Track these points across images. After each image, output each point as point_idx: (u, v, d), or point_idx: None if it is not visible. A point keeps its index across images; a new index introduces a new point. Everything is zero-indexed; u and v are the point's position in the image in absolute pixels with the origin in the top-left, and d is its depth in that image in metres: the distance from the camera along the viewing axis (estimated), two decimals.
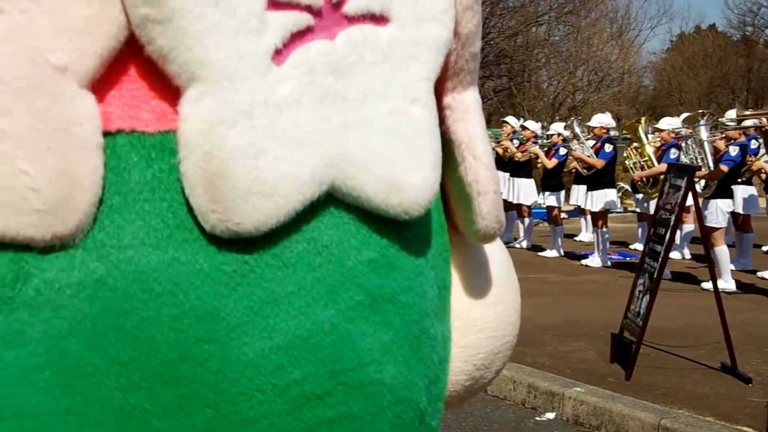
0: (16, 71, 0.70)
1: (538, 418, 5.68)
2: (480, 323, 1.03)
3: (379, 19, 0.83)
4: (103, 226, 0.74)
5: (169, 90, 0.75)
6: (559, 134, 13.17)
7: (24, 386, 0.73)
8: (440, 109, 0.90)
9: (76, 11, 0.71)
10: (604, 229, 11.83)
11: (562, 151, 13.02)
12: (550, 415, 5.66)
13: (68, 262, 0.74)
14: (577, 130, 13.04)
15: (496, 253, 1.07)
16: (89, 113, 0.72)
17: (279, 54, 0.77)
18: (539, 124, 15.40)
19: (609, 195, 11.85)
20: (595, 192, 11.86)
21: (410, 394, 0.89)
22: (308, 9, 0.79)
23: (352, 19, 0.82)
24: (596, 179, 11.91)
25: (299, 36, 0.78)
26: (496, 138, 15.71)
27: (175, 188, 0.76)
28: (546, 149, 13.32)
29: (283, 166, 0.76)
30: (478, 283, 1.03)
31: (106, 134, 0.74)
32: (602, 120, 12.29)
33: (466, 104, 0.93)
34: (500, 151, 14.28)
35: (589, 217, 13.27)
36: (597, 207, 11.83)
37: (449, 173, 0.92)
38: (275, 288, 0.79)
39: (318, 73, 0.79)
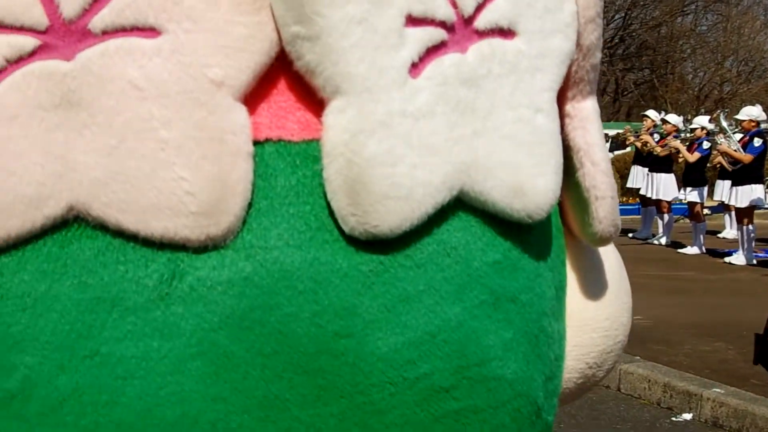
0: (178, 85, 0.77)
1: (674, 419, 5.57)
2: (593, 323, 1.06)
3: (506, 33, 0.88)
4: (251, 228, 0.80)
5: (313, 102, 0.81)
6: (703, 128, 12.75)
7: (178, 375, 0.80)
8: (560, 117, 0.94)
9: (233, 30, 0.78)
10: (750, 226, 11.41)
11: (706, 145, 12.60)
12: (687, 416, 5.55)
13: (219, 262, 0.80)
14: (724, 123, 12.55)
15: (609, 256, 1.10)
16: (242, 124, 0.79)
17: (415, 67, 0.82)
18: (681, 118, 14.92)
19: (756, 191, 11.40)
20: (740, 187, 11.43)
21: (529, 390, 0.93)
22: (442, 25, 0.84)
23: (482, 34, 0.87)
24: (742, 174, 11.47)
25: (434, 50, 0.84)
26: (636, 132, 15.35)
27: (318, 193, 0.81)
28: (688, 143, 12.92)
29: (417, 172, 0.81)
30: (592, 285, 1.06)
31: (256, 143, 0.80)
32: (752, 112, 11.81)
33: (585, 113, 0.97)
34: (639, 145, 13.96)
35: (733, 213, 12.80)
36: (742, 203, 11.40)
37: (567, 178, 0.95)
38: (407, 287, 0.83)
39: (450, 85, 0.84)
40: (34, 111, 0.76)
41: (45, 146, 0.77)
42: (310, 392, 0.82)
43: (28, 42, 0.77)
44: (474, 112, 0.86)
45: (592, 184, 0.96)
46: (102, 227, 0.79)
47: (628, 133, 16.47)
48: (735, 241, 12.33)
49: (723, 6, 35.24)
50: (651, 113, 14.96)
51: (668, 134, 13.54)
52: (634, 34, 33.27)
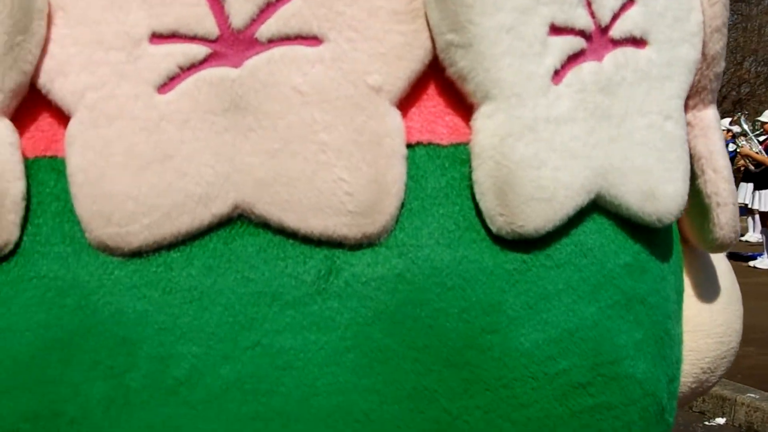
0: (339, 91, 0.81)
1: (707, 423, 5.60)
2: (707, 328, 1.08)
3: (639, 42, 0.91)
4: (403, 227, 0.84)
5: (461, 107, 0.85)
6: (729, 130, 12.71)
7: (334, 366, 0.83)
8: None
9: (392, 39, 0.82)
10: None
11: (731, 147, 12.57)
12: (720, 421, 5.56)
13: (373, 259, 0.83)
14: (745, 126, 12.54)
15: (721, 263, 1.13)
16: (398, 127, 0.82)
17: (557, 74, 0.86)
18: None
19: None
20: (764, 191, 11.40)
21: (655, 390, 0.97)
22: (581, 33, 0.88)
23: (616, 43, 0.90)
24: (765, 177, 11.45)
25: (573, 58, 0.87)
26: None
27: (465, 194, 0.85)
28: None
29: (560, 175, 0.85)
30: (707, 291, 1.09)
31: (408, 146, 0.84)
32: None
33: (707, 121, 1.00)
34: None
35: (757, 216, 12.75)
36: (766, 206, 11.37)
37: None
38: (548, 285, 0.87)
39: (589, 92, 0.87)
40: (205, 115, 0.80)
41: (214, 148, 0.81)
42: (457, 385, 0.85)
43: (201, 51, 0.81)
44: (610, 118, 0.89)
45: (713, 191, 0.99)
46: (264, 225, 0.82)
47: None
48: (759, 244, 12.28)
49: (743, 5, 35.01)
50: None
51: None
52: None
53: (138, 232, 0.81)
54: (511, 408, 0.87)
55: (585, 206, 0.88)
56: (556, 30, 0.86)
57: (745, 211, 13.84)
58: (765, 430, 5.27)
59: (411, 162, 0.84)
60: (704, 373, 1.10)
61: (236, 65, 0.81)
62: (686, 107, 0.98)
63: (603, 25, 0.89)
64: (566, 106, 0.86)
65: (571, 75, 0.87)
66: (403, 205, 0.83)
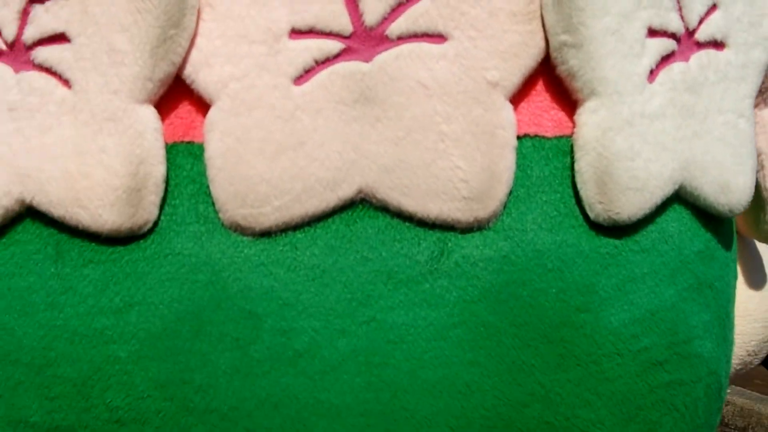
0: (459, 86, 0.86)
1: None
2: (756, 313, 1.16)
3: (719, 44, 0.98)
4: (510, 213, 0.89)
5: (565, 102, 0.91)
6: None
7: (441, 341, 0.89)
8: None
9: (509, 38, 0.87)
10: None
11: None
12: None
13: (482, 241, 0.89)
14: None
15: (766, 253, 1.21)
16: (511, 120, 0.88)
17: (651, 74, 0.92)
18: None
19: None
20: None
21: (718, 368, 1.04)
22: (673, 36, 0.94)
23: (701, 45, 0.97)
24: None
25: (666, 59, 0.94)
26: None
27: (566, 183, 0.91)
28: None
29: (651, 166, 0.91)
30: (756, 278, 1.17)
31: (517, 138, 0.89)
32: None
33: (767, 119, 1.07)
34: None
35: None
36: None
37: None
38: (635, 269, 0.93)
39: (678, 90, 0.94)
40: (336, 105, 0.85)
41: (343, 136, 0.86)
42: (552, 360, 0.91)
43: (335, 46, 0.86)
44: (694, 116, 0.96)
45: None
46: (383, 208, 0.87)
47: None
48: None
49: None
50: None
51: None
52: None
53: (269, 213, 0.85)
54: (598, 382, 0.93)
55: (669, 196, 0.95)
56: (652, 32, 0.92)
57: None
58: (736, 423, 5.42)
59: (518, 153, 0.90)
60: (749, 355, 1.19)
61: (367, 60, 0.86)
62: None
63: (691, 28, 0.96)
64: (658, 102, 0.92)
65: (663, 74, 0.93)
66: (510, 193, 0.89)
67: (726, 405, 5.50)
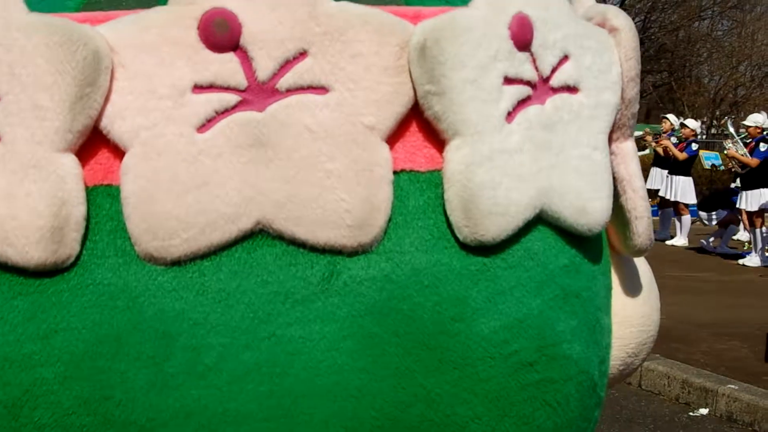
0: (341, 129, 0.98)
1: (691, 414, 5.83)
2: (631, 320, 1.28)
3: (572, 89, 1.11)
4: (390, 237, 1.01)
5: (436, 141, 1.03)
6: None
7: (334, 351, 1.00)
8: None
9: (383, 88, 1.00)
10: (763, 228, 11.60)
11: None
12: (704, 411, 5.80)
13: (366, 263, 1.01)
14: (731, 129, 12.85)
15: (641, 265, 1.33)
16: (386, 158, 1.00)
17: (509, 115, 1.05)
18: (699, 123, 15.17)
19: (764, 194, 11.65)
20: (750, 191, 11.63)
21: (588, 368, 1.16)
22: (528, 83, 1.06)
23: (555, 90, 1.10)
24: (752, 179, 11.68)
25: (522, 102, 1.06)
26: (656, 134, 15.51)
27: (439, 211, 1.03)
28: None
29: (512, 194, 1.03)
30: (630, 288, 1.29)
31: (394, 173, 1.01)
32: (757, 119, 12.21)
33: (626, 151, 1.19)
34: (660, 150, 14.14)
35: (744, 216, 12.99)
36: (753, 206, 11.59)
37: (612, 202, 1.16)
38: (503, 283, 1.05)
39: (534, 129, 1.06)
40: (235, 149, 0.98)
41: (242, 176, 0.98)
42: (432, 364, 1.03)
43: (233, 98, 0.98)
44: (550, 149, 1.08)
45: (633, 207, 1.18)
46: (279, 237, 0.99)
47: (648, 135, 16.64)
48: (750, 242, 12.49)
49: (738, 12, 35.20)
50: (670, 117, 15.23)
51: (686, 138, 13.77)
52: (653, 37, 33.35)
53: (178, 245, 0.97)
54: (474, 383, 1.04)
55: (531, 219, 1.06)
56: (509, 81, 1.05)
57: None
58: (744, 418, 5.49)
59: (396, 185, 1.01)
60: (629, 357, 1.30)
61: (261, 110, 0.98)
62: (611, 140, 1.17)
63: (544, 76, 1.09)
64: (516, 140, 1.04)
65: (520, 116, 1.06)
66: (389, 220, 1.01)
67: (734, 401, 5.57)
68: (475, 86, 1.02)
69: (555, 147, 1.09)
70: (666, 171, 13.90)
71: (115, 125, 0.98)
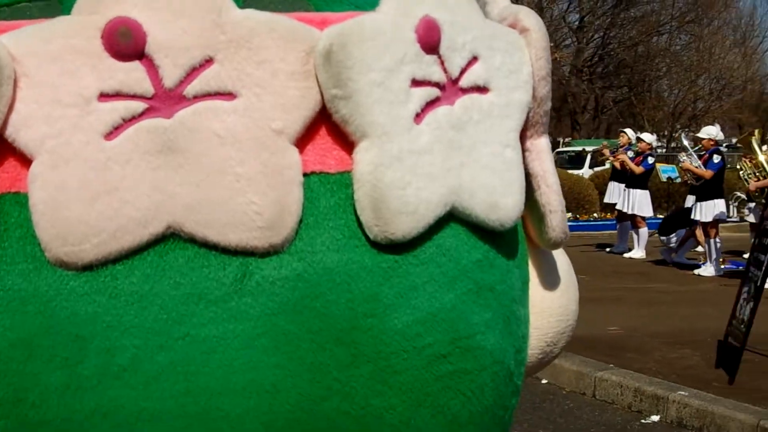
0: (249, 134, 1.00)
1: (643, 421, 5.90)
2: (549, 310, 1.30)
3: (482, 89, 1.13)
4: (302, 238, 1.03)
5: (345, 143, 1.05)
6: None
7: (248, 349, 1.02)
8: (522, 151, 1.18)
9: (290, 93, 1.01)
10: (716, 239, 11.78)
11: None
12: (655, 418, 5.88)
13: (278, 263, 1.02)
14: (686, 142, 13.11)
15: (560, 258, 1.35)
16: (295, 161, 1.01)
17: (418, 116, 1.06)
18: (654, 136, 15.41)
19: (718, 205, 11.88)
20: (704, 203, 11.83)
21: (504, 358, 1.18)
22: (437, 85, 1.08)
23: (465, 90, 1.11)
24: (706, 190, 11.89)
25: (431, 104, 1.08)
26: (613, 149, 15.71)
27: (349, 211, 1.05)
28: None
29: (422, 193, 1.05)
30: (548, 280, 1.31)
31: (304, 175, 1.03)
32: (710, 132, 12.36)
33: (540, 147, 1.21)
34: (617, 164, 14.34)
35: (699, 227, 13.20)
36: (707, 217, 11.78)
37: (528, 197, 1.19)
38: (415, 279, 1.07)
39: (443, 129, 1.08)
40: (143, 156, 0.99)
41: (151, 182, 0.99)
42: (346, 359, 1.05)
43: (140, 106, 1.00)
44: (460, 149, 1.10)
45: (547, 201, 1.20)
46: (191, 240, 1.01)
47: (605, 149, 16.82)
48: (704, 253, 12.68)
49: (695, 26, 35.77)
50: (628, 131, 15.39)
51: (643, 152, 13.96)
52: (612, 53, 33.80)
53: (89, 250, 0.98)
54: (388, 375, 1.07)
55: (443, 216, 1.08)
56: (416, 83, 1.07)
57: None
58: (693, 423, 5.59)
59: (307, 187, 1.03)
60: (548, 346, 1.33)
61: (168, 116, 1.00)
62: (524, 137, 1.19)
63: (453, 77, 1.11)
64: (425, 140, 1.07)
65: (429, 117, 1.08)
66: (301, 221, 1.02)
67: (684, 407, 5.65)
68: (383, 89, 1.04)
69: (465, 146, 1.11)
70: (623, 185, 14.03)
71: (20, 134, 0.99)
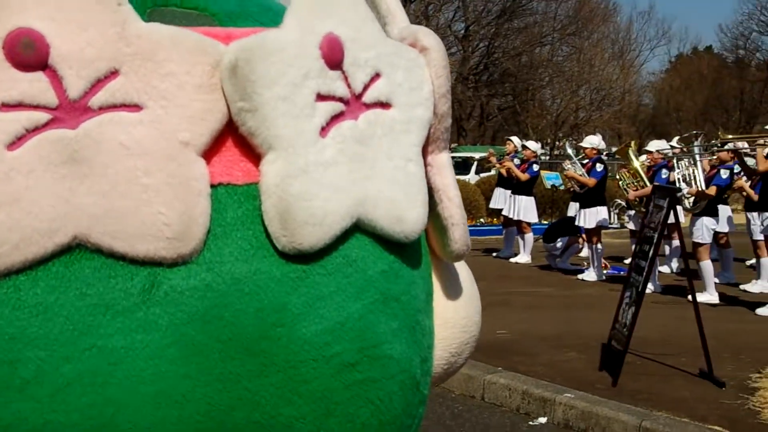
0: (155, 145, 1.00)
1: (531, 423, 6.04)
2: (453, 321, 1.34)
3: (385, 105, 1.16)
4: (210, 248, 1.04)
5: (252, 156, 1.07)
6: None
7: (157, 359, 1.02)
8: (424, 165, 1.22)
9: (196, 105, 1.03)
10: (599, 245, 12.18)
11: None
12: (543, 420, 6.03)
13: (187, 274, 1.03)
14: (570, 151, 13.55)
15: (462, 270, 1.40)
16: (202, 173, 1.02)
17: (323, 130, 1.09)
18: (539, 145, 15.86)
19: (601, 212, 12.28)
20: (588, 209, 12.22)
21: (410, 367, 1.20)
22: (341, 100, 1.11)
23: (368, 106, 1.15)
24: (589, 197, 12.29)
25: (335, 118, 1.11)
26: (500, 156, 16.07)
27: (257, 222, 1.06)
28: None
29: (328, 205, 1.07)
30: (451, 291, 1.35)
31: (211, 186, 1.04)
32: (593, 141, 12.80)
33: (441, 162, 1.25)
34: (503, 171, 14.67)
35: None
36: (590, 224, 12.18)
37: (431, 211, 1.22)
38: (322, 288, 1.09)
39: (348, 143, 1.11)
40: (47, 166, 0.98)
41: (55, 192, 0.98)
42: (255, 368, 1.05)
43: (43, 116, 0.99)
44: (365, 162, 1.13)
45: (449, 215, 1.24)
46: (98, 251, 1.00)
47: (492, 157, 17.18)
48: (587, 259, 13.06)
49: (576, 38, 36.94)
50: (514, 139, 15.75)
51: (528, 159, 14.33)
52: (497, 62, 34.52)
53: None
54: (298, 384, 1.08)
55: (349, 228, 1.11)
56: (321, 97, 1.10)
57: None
58: (579, 425, 5.77)
59: (214, 198, 1.04)
60: (452, 356, 1.36)
61: (73, 127, 0.99)
62: (426, 153, 1.23)
63: (357, 93, 1.14)
64: (331, 153, 1.09)
65: (334, 130, 1.10)
66: (209, 231, 1.03)
67: (570, 409, 5.82)
68: (288, 103, 1.06)
69: (369, 159, 1.14)
70: (509, 191, 14.35)
71: None
